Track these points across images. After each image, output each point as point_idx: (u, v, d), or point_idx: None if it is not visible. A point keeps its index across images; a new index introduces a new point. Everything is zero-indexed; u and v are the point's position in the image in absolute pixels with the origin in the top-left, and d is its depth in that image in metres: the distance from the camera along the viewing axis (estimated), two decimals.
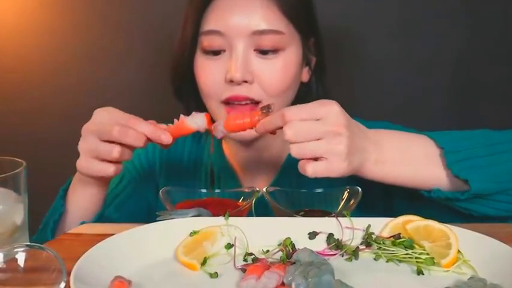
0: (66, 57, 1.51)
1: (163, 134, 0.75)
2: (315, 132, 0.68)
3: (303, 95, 0.97)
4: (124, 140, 0.73)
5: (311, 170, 0.68)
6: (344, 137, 0.67)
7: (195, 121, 0.77)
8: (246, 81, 0.87)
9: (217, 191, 0.85)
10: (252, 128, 0.76)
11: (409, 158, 0.75)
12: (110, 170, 0.75)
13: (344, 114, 0.70)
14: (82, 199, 0.84)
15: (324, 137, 0.67)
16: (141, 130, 0.74)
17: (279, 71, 0.88)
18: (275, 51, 0.88)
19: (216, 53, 0.89)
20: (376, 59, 1.42)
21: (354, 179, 0.75)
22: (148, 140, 0.75)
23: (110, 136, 0.73)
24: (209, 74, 0.90)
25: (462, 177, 0.72)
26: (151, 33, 1.46)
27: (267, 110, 0.74)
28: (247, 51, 0.87)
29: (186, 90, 0.99)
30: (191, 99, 0.99)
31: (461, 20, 1.38)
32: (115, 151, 0.73)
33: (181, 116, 0.78)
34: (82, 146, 0.76)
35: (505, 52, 1.39)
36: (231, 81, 0.87)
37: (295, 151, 0.69)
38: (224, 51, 0.89)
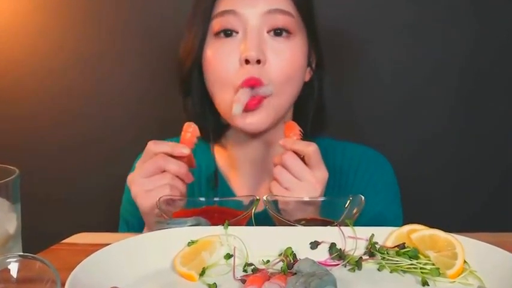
0: (61, 60, 1.50)
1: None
2: (302, 173, 0.81)
3: (305, 95, 1.00)
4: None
5: (270, 184, 0.84)
6: (307, 191, 0.80)
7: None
8: (259, 61, 0.88)
9: (215, 199, 0.84)
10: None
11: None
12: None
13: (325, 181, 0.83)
14: None
15: (302, 180, 0.81)
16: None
17: (290, 54, 0.91)
18: (287, 33, 0.91)
19: (228, 34, 0.91)
20: (380, 62, 1.42)
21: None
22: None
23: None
24: (222, 56, 0.91)
25: None
26: (148, 37, 1.45)
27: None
28: (261, 30, 0.90)
29: (193, 85, 0.98)
30: (197, 94, 0.99)
31: (468, 24, 1.38)
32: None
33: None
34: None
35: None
36: (246, 60, 0.88)
37: (277, 171, 0.83)
38: (237, 32, 0.90)
